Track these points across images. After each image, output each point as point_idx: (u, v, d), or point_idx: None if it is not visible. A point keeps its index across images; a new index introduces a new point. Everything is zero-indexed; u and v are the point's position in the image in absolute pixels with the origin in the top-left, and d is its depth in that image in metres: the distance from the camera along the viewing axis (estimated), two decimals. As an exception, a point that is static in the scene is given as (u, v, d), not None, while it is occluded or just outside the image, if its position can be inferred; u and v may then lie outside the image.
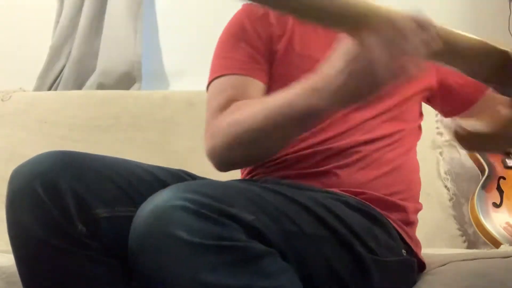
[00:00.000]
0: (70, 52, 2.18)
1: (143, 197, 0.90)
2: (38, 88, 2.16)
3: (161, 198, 0.72)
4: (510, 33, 2.00)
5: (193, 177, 1.00)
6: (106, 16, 2.18)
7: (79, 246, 0.84)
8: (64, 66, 2.17)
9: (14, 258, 0.86)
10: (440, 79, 1.14)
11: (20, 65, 2.20)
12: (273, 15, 1.07)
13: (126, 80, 2.12)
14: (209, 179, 0.81)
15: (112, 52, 2.14)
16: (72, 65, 2.15)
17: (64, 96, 2.00)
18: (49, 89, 2.16)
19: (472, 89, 1.12)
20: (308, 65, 0.89)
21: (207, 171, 1.01)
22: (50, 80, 2.17)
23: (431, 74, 1.13)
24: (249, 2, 0.66)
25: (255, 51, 1.05)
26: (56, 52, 2.18)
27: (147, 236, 0.71)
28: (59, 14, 2.23)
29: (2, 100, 1.94)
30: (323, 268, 0.83)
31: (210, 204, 0.70)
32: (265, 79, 1.04)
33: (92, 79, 2.14)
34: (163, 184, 0.95)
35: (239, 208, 0.72)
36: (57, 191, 0.83)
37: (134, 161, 0.96)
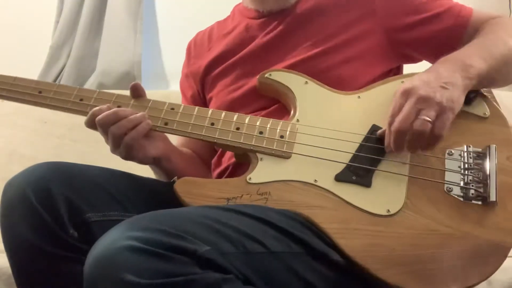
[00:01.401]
0: (70, 52, 2.18)
1: (133, 203, 0.92)
2: (38, 88, 2.16)
3: (107, 240, 0.70)
4: (510, 33, 1.99)
5: None
6: (106, 16, 2.18)
7: (72, 250, 0.86)
8: (64, 66, 2.17)
9: (9, 265, 0.87)
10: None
11: (20, 65, 2.20)
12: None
13: (126, 80, 2.12)
14: (170, 209, 0.80)
15: (112, 52, 2.14)
16: (72, 65, 2.15)
17: (64, 96, 1.99)
18: (49, 89, 2.16)
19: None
20: None
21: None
22: (50, 80, 2.17)
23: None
24: None
25: None
26: (56, 52, 2.18)
27: (96, 282, 0.69)
28: (59, 14, 2.23)
29: (2, 100, 1.93)
30: (297, 284, 0.81)
31: (158, 240, 0.68)
32: None
33: (92, 79, 2.14)
34: (153, 193, 0.98)
35: (192, 239, 0.70)
36: (48, 197, 0.85)
37: (125, 171, 1.00)
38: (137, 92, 1.02)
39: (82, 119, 1.98)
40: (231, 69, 1.14)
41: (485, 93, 0.99)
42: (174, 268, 0.68)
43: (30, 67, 2.17)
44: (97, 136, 1.93)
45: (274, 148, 0.94)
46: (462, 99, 0.90)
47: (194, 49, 1.26)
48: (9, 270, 0.89)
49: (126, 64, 2.13)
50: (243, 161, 0.98)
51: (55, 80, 2.16)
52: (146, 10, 2.21)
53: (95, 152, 1.77)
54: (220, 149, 1.11)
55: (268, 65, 1.07)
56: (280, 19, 1.12)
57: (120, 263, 0.67)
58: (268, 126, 0.96)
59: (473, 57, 0.94)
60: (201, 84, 1.20)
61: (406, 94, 0.88)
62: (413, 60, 1.12)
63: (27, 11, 2.29)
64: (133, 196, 0.95)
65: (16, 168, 0.93)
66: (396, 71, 1.12)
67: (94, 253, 0.70)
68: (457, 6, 1.07)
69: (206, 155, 1.18)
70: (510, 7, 2.04)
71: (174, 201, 0.95)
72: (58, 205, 0.85)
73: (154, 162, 1.02)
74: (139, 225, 0.71)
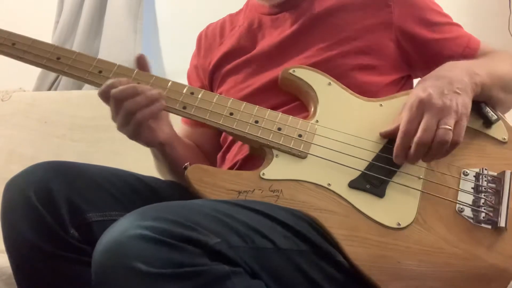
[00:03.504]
0: (70, 52, 2.18)
1: (134, 203, 0.92)
2: (38, 88, 2.16)
3: (118, 228, 0.70)
4: (510, 33, 1.99)
5: (179, 191, 1.00)
6: (106, 16, 2.18)
7: (72, 250, 0.86)
8: (64, 66, 2.17)
9: (10, 265, 0.87)
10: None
11: (20, 65, 2.19)
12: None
13: (126, 80, 2.12)
14: (179, 201, 0.80)
15: (112, 52, 2.14)
16: (72, 65, 2.15)
17: (64, 96, 2.00)
18: (49, 89, 2.16)
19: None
20: None
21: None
22: (50, 80, 2.17)
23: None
24: None
25: None
26: (56, 52, 2.18)
27: (105, 269, 0.69)
28: (59, 14, 2.23)
29: (2, 100, 1.94)
30: (302, 282, 0.81)
31: (170, 230, 0.68)
32: None
33: (92, 79, 2.14)
34: (154, 192, 0.97)
35: (203, 231, 0.70)
36: (50, 197, 0.85)
37: (125, 170, 1.00)
38: (141, 65, 1.00)
39: (82, 119, 1.98)
40: (242, 66, 1.12)
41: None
42: (184, 258, 0.68)
43: (30, 67, 2.17)
44: (97, 136, 1.93)
45: (291, 146, 0.93)
46: (470, 103, 0.90)
47: (204, 41, 1.24)
48: (9, 270, 0.89)
49: (126, 64, 2.11)
50: (257, 155, 0.96)
51: (55, 81, 2.17)
52: (146, 10, 2.21)
53: (95, 152, 1.78)
54: (225, 146, 1.12)
55: (281, 64, 1.06)
56: (295, 17, 1.10)
57: (131, 252, 0.67)
58: (287, 123, 0.95)
59: (479, 68, 0.95)
60: (210, 78, 1.19)
61: (423, 104, 0.88)
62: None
63: (27, 11, 2.29)
64: (133, 196, 0.95)
65: (16, 168, 0.93)
66: (407, 78, 1.11)
67: (104, 241, 0.70)
68: (466, 36, 1.08)
69: (209, 149, 1.18)
70: (510, 7, 2.04)
71: (175, 200, 0.96)
72: (59, 205, 0.85)
73: (159, 147, 1.01)
74: (150, 214, 0.71)
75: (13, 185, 0.87)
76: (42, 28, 2.24)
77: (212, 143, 1.17)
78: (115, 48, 2.14)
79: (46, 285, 0.87)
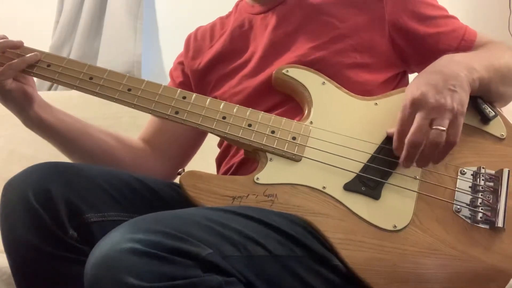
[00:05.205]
0: (70, 52, 2.18)
1: (133, 204, 0.92)
2: (38, 88, 2.14)
3: (109, 242, 0.69)
4: (510, 33, 1.99)
5: (178, 192, 0.99)
6: (106, 16, 2.18)
7: (71, 251, 0.86)
8: (64, 66, 2.17)
9: (9, 265, 0.87)
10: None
11: (20, 65, 2.20)
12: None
13: (126, 80, 2.12)
14: (171, 211, 0.78)
15: (112, 52, 2.14)
16: (72, 65, 2.15)
17: (64, 96, 1.99)
18: (49, 89, 2.16)
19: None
20: None
21: (206, 169, 1.01)
22: (50, 81, 2.17)
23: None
24: None
25: None
26: (56, 52, 2.18)
27: (97, 284, 0.68)
28: (59, 14, 2.23)
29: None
30: (300, 287, 0.80)
31: (161, 242, 0.68)
32: None
33: (92, 79, 2.14)
34: (153, 193, 0.97)
35: (194, 242, 0.70)
36: (48, 198, 0.85)
37: (124, 171, 0.99)
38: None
39: (82, 119, 1.98)
40: (236, 70, 1.11)
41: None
42: (176, 271, 0.67)
43: (30, 67, 2.17)
44: (97, 136, 1.91)
45: (285, 149, 0.92)
46: (467, 100, 0.88)
47: (193, 42, 1.22)
48: (9, 270, 0.89)
49: (126, 64, 2.13)
50: (252, 158, 0.96)
51: (55, 80, 2.17)
52: (146, 10, 2.21)
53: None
54: (222, 148, 1.11)
55: (274, 64, 1.05)
56: (284, 14, 1.09)
57: (122, 266, 0.66)
58: (281, 126, 0.94)
59: (477, 62, 0.93)
60: (198, 81, 1.17)
61: (416, 103, 0.86)
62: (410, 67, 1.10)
63: (27, 11, 2.29)
64: (132, 196, 0.95)
65: (16, 168, 0.93)
66: (403, 74, 1.10)
67: (95, 255, 0.69)
68: (462, 29, 1.05)
69: (176, 152, 1.18)
70: (510, 7, 2.04)
71: (174, 201, 0.95)
72: (58, 205, 0.85)
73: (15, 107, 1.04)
74: (141, 227, 0.70)
75: (12, 185, 0.87)
76: (42, 28, 2.24)
77: (181, 145, 1.17)
78: (115, 48, 2.14)
79: (45, 285, 0.87)
